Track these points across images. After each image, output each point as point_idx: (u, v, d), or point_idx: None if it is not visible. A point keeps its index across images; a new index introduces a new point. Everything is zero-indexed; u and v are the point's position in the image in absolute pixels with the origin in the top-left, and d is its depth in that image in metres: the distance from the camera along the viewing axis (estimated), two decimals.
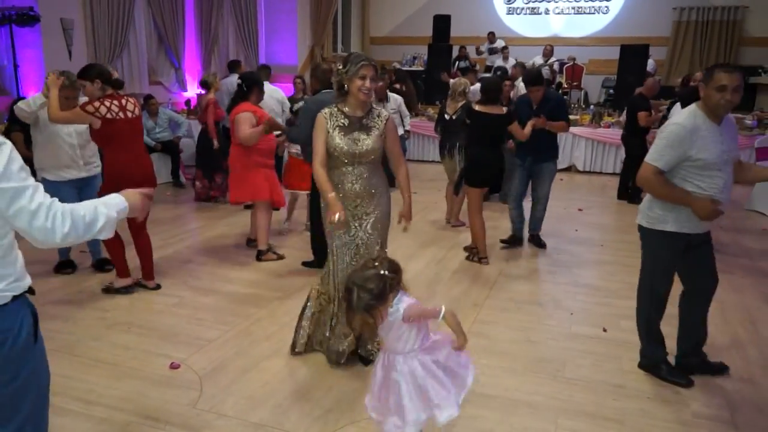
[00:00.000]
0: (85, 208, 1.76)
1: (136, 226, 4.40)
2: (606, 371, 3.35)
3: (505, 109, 5.17)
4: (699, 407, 3.01)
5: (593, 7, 13.86)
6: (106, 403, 2.95)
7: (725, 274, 4.98)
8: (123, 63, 9.55)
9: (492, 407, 2.97)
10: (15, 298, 1.73)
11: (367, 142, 3.10)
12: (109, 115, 4.07)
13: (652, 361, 3.30)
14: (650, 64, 11.41)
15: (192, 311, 4.10)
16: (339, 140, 3.07)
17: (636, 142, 7.42)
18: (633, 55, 11.10)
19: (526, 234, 5.78)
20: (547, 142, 5.43)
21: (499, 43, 13.12)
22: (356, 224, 3.17)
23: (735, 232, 6.40)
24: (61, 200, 1.74)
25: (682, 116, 2.90)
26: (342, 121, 3.11)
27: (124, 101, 4.20)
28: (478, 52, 13.25)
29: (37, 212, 1.65)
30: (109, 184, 4.08)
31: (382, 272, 2.15)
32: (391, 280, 2.15)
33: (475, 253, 5.24)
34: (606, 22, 13.77)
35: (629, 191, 7.69)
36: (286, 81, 9.74)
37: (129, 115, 4.20)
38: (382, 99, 7.26)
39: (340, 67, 3.06)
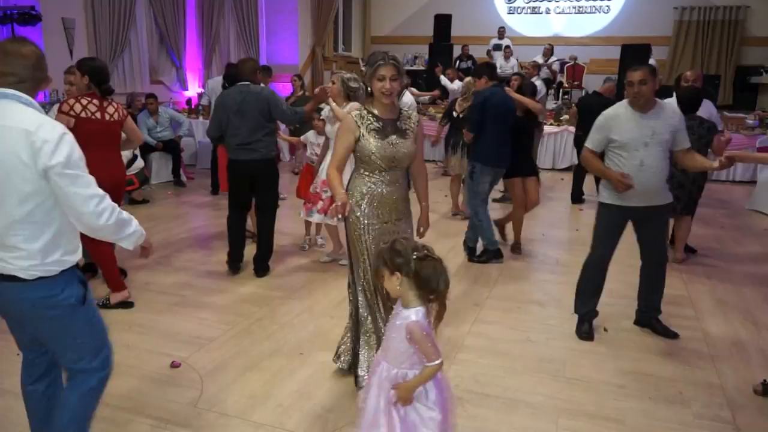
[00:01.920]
0: (124, 212, 2.09)
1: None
2: (607, 371, 3.35)
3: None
4: (700, 408, 3.00)
5: (594, 6, 13.86)
6: (107, 402, 2.94)
7: (726, 274, 4.99)
8: (124, 62, 9.56)
9: (492, 407, 2.96)
10: (63, 271, 2.04)
11: (405, 145, 2.94)
12: (83, 114, 3.92)
13: (577, 312, 3.86)
14: (652, 63, 11.40)
15: (193, 310, 4.10)
16: (375, 145, 2.86)
17: None
18: (634, 54, 11.05)
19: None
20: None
21: (506, 42, 13.10)
22: (392, 230, 2.97)
23: (736, 232, 6.40)
24: None
25: (609, 108, 3.62)
26: (375, 124, 2.89)
27: (105, 103, 4.04)
28: (489, 54, 13.24)
29: (90, 199, 1.96)
30: None
31: (406, 248, 2.04)
32: (405, 261, 2.01)
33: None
34: (607, 21, 13.77)
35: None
36: (286, 81, 9.76)
37: (107, 117, 4.02)
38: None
39: (365, 68, 2.96)
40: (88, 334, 2.16)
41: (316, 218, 4.97)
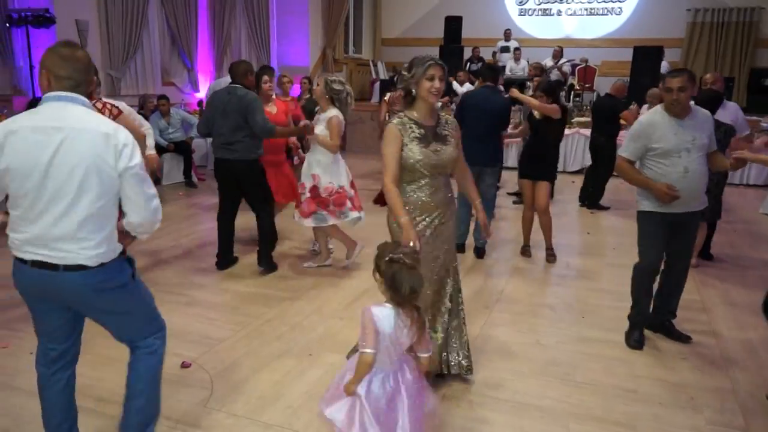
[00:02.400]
0: None
1: None
2: (617, 375, 3.33)
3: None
4: (712, 413, 2.98)
5: (606, 8, 13.79)
6: (118, 401, 2.94)
7: (739, 278, 4.94)
8: (136, 63, 9.63)
9: (502, 410, 2.95)
10: (119, 254, 2.25)
11: (448, 151, 2.92)
12: None
13: (630, 318, 3.77)
14: (664, 65, 11.31)
15: (203, 311, 4.12)
16: (419, 153, 2.84)
17: (611, 145, 7.12)
18: (646, 56, 11.00)
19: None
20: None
21: (514, 44, 13.07)
22: (435, 236, 2.95)
23: (749, 236, 6.34)
24: None
25: (644, 115, 3.61)
26: (417, 131, 2.87)
27: (100, 105, 3.96)
28: (495, 56, 13.21)
29: (153, 198, 2.21)
30: None
31: (384, 250, 2.20)
32: (379, 262, 2.19)
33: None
34: (619, 23, 13.69)
35: (598, 197, 7.47)
36: (296, 82, 9.76)
37: None
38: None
39: (406, 73, 2.91)
40: (141, 305, 2.39)
41: (304, 222, 4.79)
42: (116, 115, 3.98)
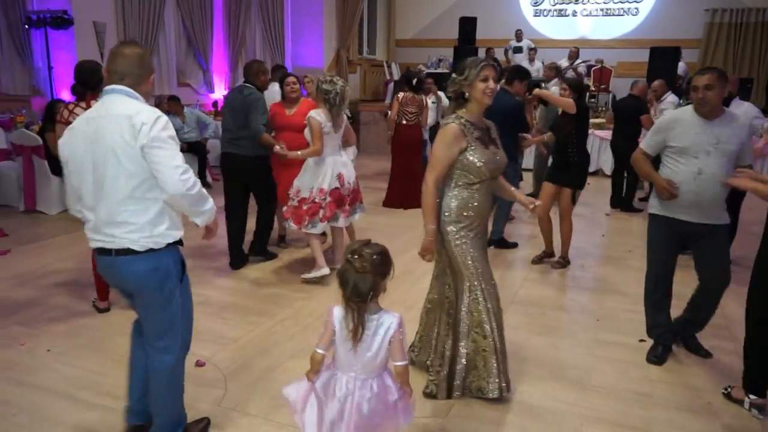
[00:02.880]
0: (204, 190, 2.36)
1: None
2: (632, 379, 3.29)
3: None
4: (729, 419, 2.94)
5: (622, 8, 13.67)
6: None
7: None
8: (152, 64, 9.71)
9: (515, 412, 2.94)
10: (168, 245, 2.35)
11: (501, 155, 2.91)
12: (71, 119, 3.83)
13: (647, 327, 3.63)
14: (681, 66, 11.19)
15: (217, 310, 4.15)
16: (483, 155, 2.79)
17: (632, 147, 7.04)
18: (663, 57, 10.86)
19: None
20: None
21: (527, 44, 12.99)
22: (482, 238, 2.98)
23: None
24: None
25: (674, 111, 3.57)
26: (477, 133, 2.83)
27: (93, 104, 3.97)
28: (507, 55, 13.16)
29: (176, 169, 2.21)
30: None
31: (349, 248, 2.10)
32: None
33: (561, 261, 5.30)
34: (635, 24, 13.56)
35: (625, 198, 7.36)
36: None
37: None
38: (428, 94, 7.75)
39: (458, 75, 2.85)
40: (174, 312, 2.42)
41: (321, 228, 4.67)
42: None
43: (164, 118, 2.26)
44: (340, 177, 4.58)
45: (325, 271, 4.61)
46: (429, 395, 3.02)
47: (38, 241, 5.68)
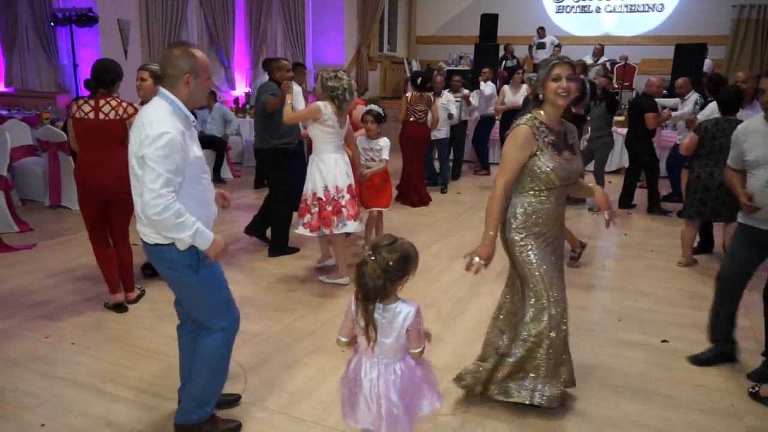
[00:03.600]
0: (188, 217, 2.32)
1: (119, 233, 4.05)
2: (655, 380, 3.25)
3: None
4: (753, 421, 2.88)
5: (647, 4, 13.47)
6: (155, 392, 3.04)
7: None
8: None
9: (535, 412, 2.91)
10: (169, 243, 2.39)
11: (577, 162, 2.75)
12: (78, 114, 3.86)
13: (710, 331, 3.46)
14: (707, 63, 10.99)
15: (237, 305, 4.17)
16: (553, 161, 2.63)
17: (643, 146, 6.90)
18: (689, 54, 10.68)
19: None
20: None
21: (550, 40, 12.84)
22: (554, 245, 2.80)
23: None
24: None
25: (746, 121, 3.27)
26: (550, 137, 2.66)
27: (103, 102, 3.84)
28: (530, 51, 13.03)
29: (150, 191, 2.22)
30: (77, 186, 4.00)
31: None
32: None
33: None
34: (661, 20, 13.36)
35: (652, 200, 7.15)
36: None
37: (101, 116, 3.83)
38: (438, 93, 7.79)
39: (534, 76, 2.72)
40: (203, 297, 2.54)
41: (300, 230, 4.51)
42: (131, 114, 3.88)
43: (169, 136, 2.25)
44: (351, 172, 4.48)
45: (344, 281, 4.53)
46: (462, 385, 2.94)
47: (63, 236, 5.78)
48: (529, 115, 2.71)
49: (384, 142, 5.13)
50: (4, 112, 8.24)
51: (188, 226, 2.32)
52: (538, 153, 2.62)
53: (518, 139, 2.63)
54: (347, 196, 4.41)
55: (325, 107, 4.27)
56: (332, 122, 4.30)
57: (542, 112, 2.70)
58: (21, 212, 6.28)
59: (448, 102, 7.86)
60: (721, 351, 3.41)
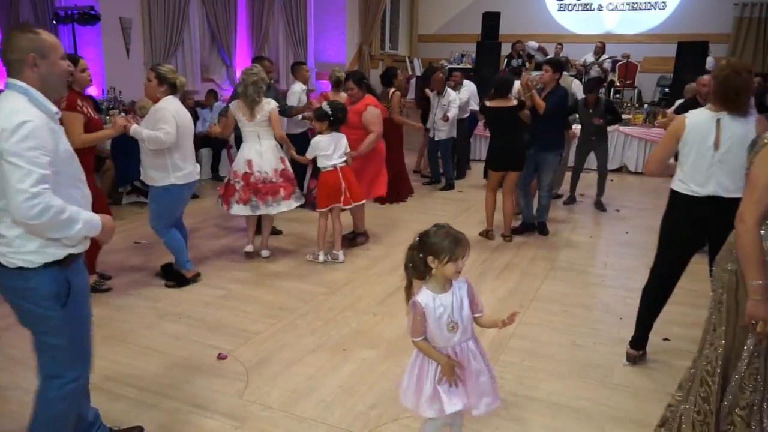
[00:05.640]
0: (72, 210, 1.97)
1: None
2: (656, 378, 3.25)
3: (515, 101, 5.40)
4: None
5: (649, 2, 13.43)
6: (156, 390, 3.04)
7: None
8: (177, 61, 9.80)
9: (537, 410, 2.91)
10: (46, 264, 2.00)
11: None
12: (85, 111, 3.90)
13: None
14: (709, 62, 10.96)
15: (239, 304, 4.18)
16: None
17: None
18: (691, 52, 10.66)
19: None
20: (549, 135, 5.64)
21: (531, 46, 12.78)
22: None
23: None
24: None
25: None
26: None
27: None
28: (528, 56, 13.00)
29: (19, 193, 1.84)
30: None
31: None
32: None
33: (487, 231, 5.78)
34: (663, 18, 13.31)
35: None
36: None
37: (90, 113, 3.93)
38: (441, 92, 7.85)
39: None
40: (64, 338, 2.09)
41: (234, 210, 4.90)
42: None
43: (31, 124, 1.88)
44: (249, 163, 4.84)
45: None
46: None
47: None
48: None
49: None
50: None
51: (75, 219, 1.97)
52: None
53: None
54: (241, 183, 4.84)
55: (234, 106, 4.89)
56: (240, 117, 4.86)
57: None
58: None
59: (449, 102, 7.79)
60: None
